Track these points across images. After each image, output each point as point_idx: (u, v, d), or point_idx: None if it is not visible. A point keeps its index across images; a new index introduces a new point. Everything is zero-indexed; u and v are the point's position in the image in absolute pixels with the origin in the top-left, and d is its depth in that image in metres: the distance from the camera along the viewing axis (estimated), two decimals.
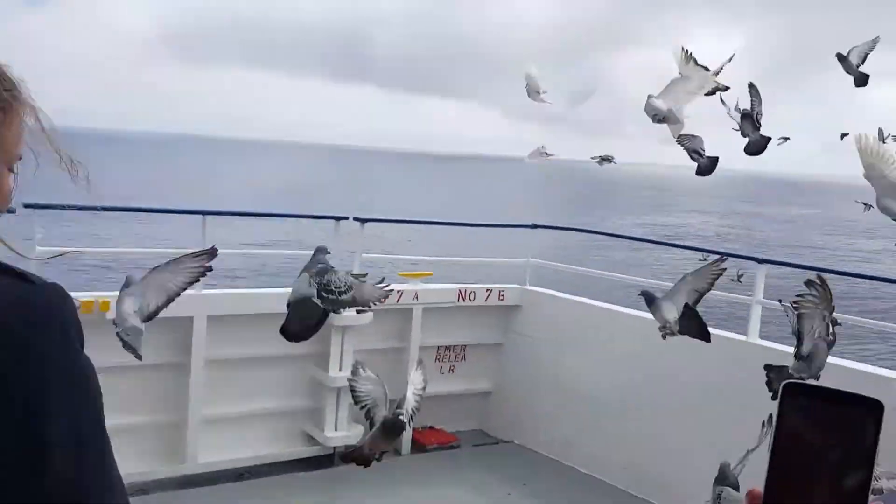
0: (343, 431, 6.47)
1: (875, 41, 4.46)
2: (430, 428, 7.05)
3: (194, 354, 5.90)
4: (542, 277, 7.55)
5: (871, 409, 0.75)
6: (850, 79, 4.46)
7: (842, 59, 4.45)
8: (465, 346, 7.29)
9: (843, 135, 4.95)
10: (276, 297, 6.34)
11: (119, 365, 5.67)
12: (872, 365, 5.49)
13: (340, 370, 6.42)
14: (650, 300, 4.04)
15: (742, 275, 7.86)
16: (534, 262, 7.37)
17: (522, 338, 7.23)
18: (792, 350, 5.54)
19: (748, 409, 5.38)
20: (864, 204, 6.83)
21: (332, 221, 6.55)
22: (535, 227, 7.37)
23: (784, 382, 0.76)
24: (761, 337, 5.65)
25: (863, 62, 4.46)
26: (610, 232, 7.86)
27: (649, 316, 6.45)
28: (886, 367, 5.70)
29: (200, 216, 6.07)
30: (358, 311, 6.39)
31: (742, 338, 5.66)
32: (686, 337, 5.92)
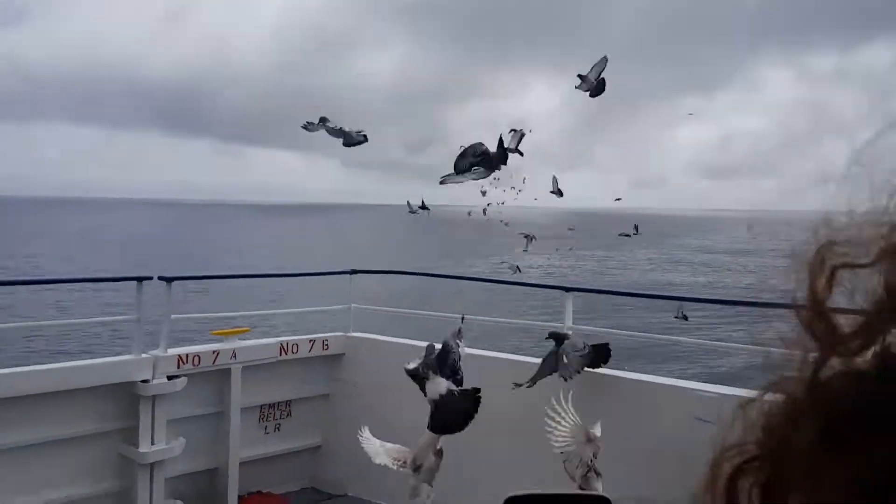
0: None
1: (604, 60, 5.39)
2: (258, 493, 6.64)
3: None
4: (365, 322, 7.51)
5: None
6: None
7: (582, 78, 5.25)
8: (291, 401, 7.00)
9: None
10: (69, 373, 5.73)
11: None
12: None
13: (153, 444, 5.90)
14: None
15: (685, 316, 8.29)
16: (356, 308, 7.28)
17: (349, 386, 7.08)
18: (603, 371, 5.94)
19: None
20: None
21: (134, 283, 6.05)
22: (354, 272, 7.30)
23: (506, 498, 0.74)
24: None
25: (598, 78, 5.35)
26: (427, 272, 7.97)
27: (471, 351, 6.62)
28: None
29: None
30: (169, 378, 5.96)
31: None
32: (507, 366, 6.17)
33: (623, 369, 5.86)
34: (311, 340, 6.97)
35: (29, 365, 5.93)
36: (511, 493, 0.72)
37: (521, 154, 5.12)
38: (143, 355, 5.92)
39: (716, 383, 5.50)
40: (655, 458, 5.22)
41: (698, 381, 5.52)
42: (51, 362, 6.03)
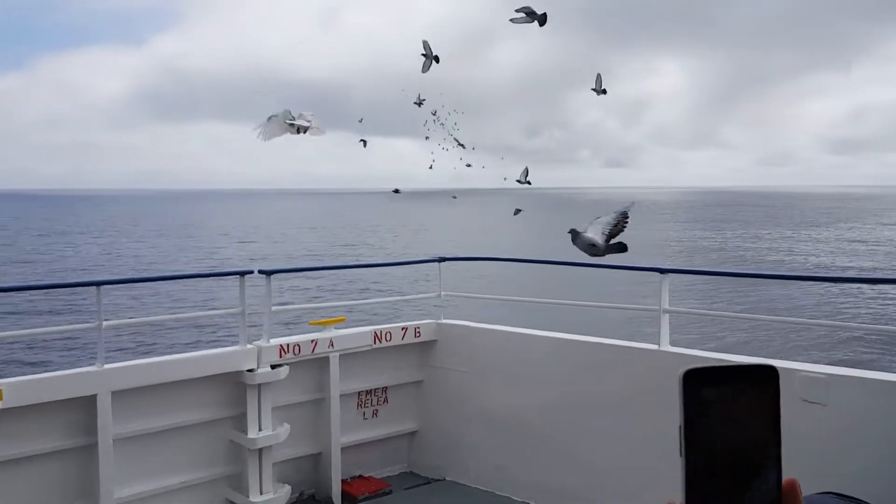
0: (269, 494, 6.21)
1: None
2: (360, 477, 6.87)
3: (101, 434, 5.54)
4: (458, 308, 7.61)
5: (766, 376, 0.78)
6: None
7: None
8: (387, 387, 7.19)
9: None
10: (183, 364, 6.09)
11: (18, 456, 5.28)
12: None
13: (260, 430, 6.20)
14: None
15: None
16: (446, 295, 7.38)
17: (442, 372, 7.21)
18: (702, 353, 5.80)
19: (665, 414, 5.57)
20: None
21: (237, 277, 6.36)
22: (442, 260, 7.40)
23: (683, 372, 0.78)
24: (671, 344, 5.83)
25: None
26: (515, 258, 7.98)
27: (563, 335, 6.61)
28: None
29: (95, 287, 5.78)
30: (272, 367, 6.24)
31: (654, 346, 5.82)
32: (601, 350, 6.12)
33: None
34: (403, 328, 7.12)
35: (147, 357, 6.35)
36: (687, 367, 0.78)
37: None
38: (248, 346, 6.22)
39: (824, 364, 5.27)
40: None
41: (805, 362, 5.28)
42: (165, 354, 6.43)
